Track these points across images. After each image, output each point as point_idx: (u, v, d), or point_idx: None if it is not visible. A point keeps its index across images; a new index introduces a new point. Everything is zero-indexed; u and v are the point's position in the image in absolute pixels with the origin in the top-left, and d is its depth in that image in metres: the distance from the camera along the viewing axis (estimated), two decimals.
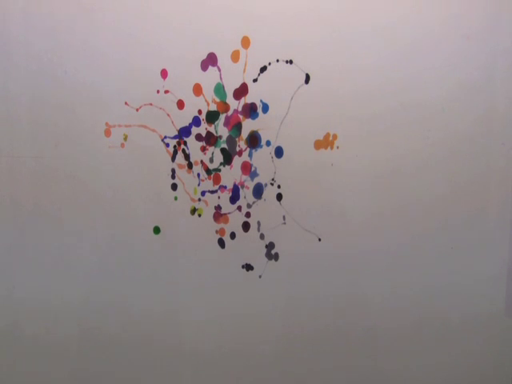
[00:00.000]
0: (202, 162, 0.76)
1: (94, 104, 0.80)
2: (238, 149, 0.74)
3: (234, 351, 0.78)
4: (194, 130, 0.76)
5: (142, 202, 0.80)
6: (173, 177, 0.78)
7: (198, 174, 0.76)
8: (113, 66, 0.79)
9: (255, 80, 0.71)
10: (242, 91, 0.72)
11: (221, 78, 0.73)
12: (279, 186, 0.72)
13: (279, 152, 0.71)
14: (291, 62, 0.69)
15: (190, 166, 0.77)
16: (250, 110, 0.72)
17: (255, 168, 0.73)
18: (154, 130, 0.78)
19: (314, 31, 0.67)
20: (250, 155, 0.73)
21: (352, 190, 0.69)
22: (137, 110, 0.78)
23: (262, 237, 0.73)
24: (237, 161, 0.74)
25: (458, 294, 0.66)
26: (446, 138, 0.64)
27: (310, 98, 0.68)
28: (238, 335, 0.77)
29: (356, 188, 0.69)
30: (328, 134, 0.68)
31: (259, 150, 0.72)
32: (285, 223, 0.72)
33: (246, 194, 0.74)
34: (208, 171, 0.76)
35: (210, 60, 0.73)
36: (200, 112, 0.75)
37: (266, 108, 0.71)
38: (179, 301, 0.80)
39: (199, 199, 0.77)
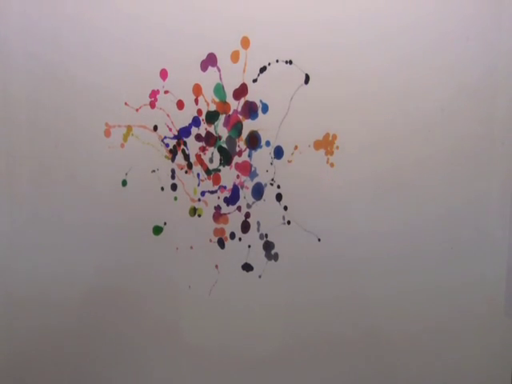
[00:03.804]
0: (201, 162, 0.76)
1: (93, 104, 0.80)
2: (237, 149, 0.74)
3: (233, 351, 0.78)
4: (194, 131, 0.76)
5: (142, 202, 0.80)
6: (172, 177, 0.78)
7: (198, 175, 0.77)
8: (113, 67, 0.79)
9: (255, 80, 0.71)
10: (241, 91, 0.72)
11: (220, 79, 0.73)
12: (279, 186, 0.72)
13: (279, 152, 0.71)
14: (291, 62, 0.69)
15: (189, 166, 0.77)
16: (250, 111, 0.72)
17: (255, 168, 0.73)
18: (153, 131, 0.78)
19: (313, 32, 0.67)
20: (250, 155, 0.73)
21: (352, 190, 0.69)
22: (136, 110, 0.78)
23: (261, 237, 0.73)
24: (236, 161, 0.74)
25: (458, 294, 0.66)
26: (446, 138, 0.64)
27: (309, 98, 0.68)
28: (238, 336, 0.77)
29: (356, 188, 0.69)
30: (328, 135, 0.68)
31: (259, 150, 0.72)
32: (284, 223, 0.72)
33: (246, 195, 0.74)
34: (208, 171, 0.76)
35: (210, 60, 0.73)
36: (200, 112, 0.75)
37: (265, 108, 0.71)
38: (179, 301, 0.80)
39: (199, 199, 0.77)
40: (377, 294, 0.69)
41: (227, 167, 0.75)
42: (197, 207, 0.77)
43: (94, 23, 0.79)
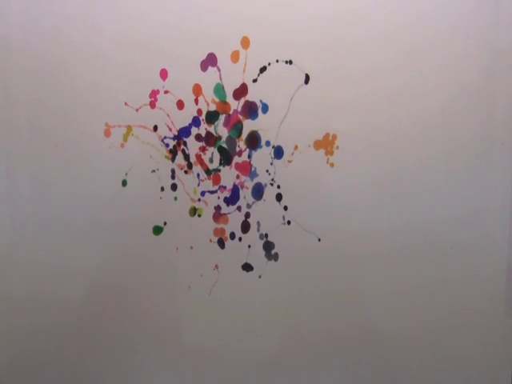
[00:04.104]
0: (201, 162, 0.76)
1: (93, 104, 0.80)
2: (237, 149, 0.74)
3: (233, 351, 0.78)
4: (194, 131, 0.76)
5: (142, 202, 0.80)
6: (172, 177, 0.78)
7: (198, 175, 0.77)
8: (112, 66, 0.79)
9: (255, 80, 0.71)
10: (241, 91, 0.72)
11: (220, 79, 0.73)
12: (279, 187, 0.72)
13: (279, 152, 0.71)
14: (291, 62, 0.69)
15: (189, 166, 0.77)
16: (250, 111, 0.72)
17: (255, 168, 0.73)
18: (153, 131, 0.78)
19: (313, 31, 0.67)
20: (250, 155, 0.73)
21: (352, 190, 0.69)
22: (136, 110, 0.78)
23: (261, 237, 0.74)
24: (236, 161, 0.74)
25: (458, 293, 0.66)
26: (446, 138, 0.64)
27: (309, 98, 0.68)
28: (238, 335, 0.77)
29: (356, 188, 0.69)
30: (328, 135, 0.68)
31: (259, 150, 0.72)
32: (284, 223, 0.72)
33: (246, 195, 0.74)
34: (208, 171, 0.76)
35: (210, 60, 0.73)
36: (200, 112, 0.75)
37: (265, 108, 0.71)
38: (178, 301, 0.80)
39: (199, 199, 0.77)
40: (377, 294, 0.69)
41: (227, 167, 0.75)
42: (197, 207, 0.77)
43: (94, 23, 0.78)
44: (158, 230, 0.80)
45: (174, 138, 0.77)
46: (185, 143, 0.77)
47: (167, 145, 0.78)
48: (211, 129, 0.75)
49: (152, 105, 0.77)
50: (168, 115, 0.77)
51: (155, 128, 0.78)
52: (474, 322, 0.66)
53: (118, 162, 0.80)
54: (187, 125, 0.76)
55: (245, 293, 0.76)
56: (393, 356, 0.70)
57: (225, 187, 0.75)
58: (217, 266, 0.77)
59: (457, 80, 0.63)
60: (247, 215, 0.74)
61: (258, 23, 0.70)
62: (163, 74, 0.76)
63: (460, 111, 0.63)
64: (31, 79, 0.82)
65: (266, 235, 0.73)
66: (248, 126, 0.73)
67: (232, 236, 0.75)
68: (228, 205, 0.75)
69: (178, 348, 0.81)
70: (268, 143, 0.72)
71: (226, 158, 0.74)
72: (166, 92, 0.76)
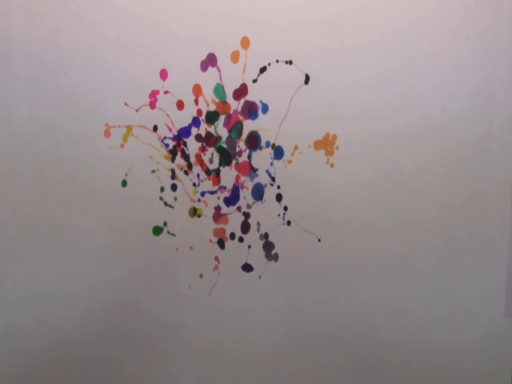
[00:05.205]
0: (201, 162, 0.76)
1: (93, 105, 0.80)
2: (237, 149, 0.74)
3: (233, 352, 0.78)
4: (194, 131, 0.76)
5: (142, 202, 0.80)
6: (172, 177, 0.78)
7: (198, 175, 0.77)
8: (113, 67, 0.79)
9: (255, 80, 0.71)
10: (241, 92, 0.72)
11: (220, 79, 0.73)
12: (279, 187, 0.72)
13: (279, 152, 0.71)
14: (291, 62, 0.69)
15: (189, 166, 0.77)
16: (250, 111, 0.72)
17: (255, 168, 0.73)
18: (153, 131, 0.78)
19: (313, 32, 0.67)
20: (250, 156, 0.73)
21: (352, 190, 0.69)
22: (136, 110, 0.78)
23: (261, 237, 0.74)
24: (236, 161, 0.74)
25: (458, 294, 0.66)
26: (446, 138, 0.64)
27: (309, 98, 0.68)
28: (238, 336, 0.77)
29: (356, 188, 0.69)
30: (328, 135, 0.68)
31: (259, 150, 0.72)
32: (284, 223, 0.72)
33: (246, 195, 0.74)
34: (208, 172, 0.76)
35: (210, 60, 0.73)
36: (200, 112, 0.75)
37: (265, 108, 0.71)
38: (178, 301, 0.80)
39: (199, 200, 0.77)
40: (376, 294, 0.69)
41: (227, 167, 0.75)
42: (197, 207, 0.77)
43: (95, 23, 0.78)
44: (158, 230, 0.80)
45: (174, 138, 0.77)
46: (185, 143, 0.77)
47: (167, 145, 0.78)
48: (211, 129, 0.75)
49: (152, 105, 0.77)
50: (168, 115, 0.77)
51: (155, 128, 0.78)
52: (474, 323, 0.66)
53: (118, 162, 0.80)
54: (187, 125, 0.76)
55: (245, 293, 0.76)
56: (393, 356, 0.70)
57: (225, 187, 0.75)
58: (217, 267, 0.77)
59: (457, 80, 0.63)
60: (247, 215, 0.74)
61: (257, 24, 0.70)
62: (163, 74, 0.76)
63: (460, 111, 0.63)
64: (32, 80, 0.82)
65: (266, 235, 0.73)
66: (248, 126, 0.73)
67: (232, 236, 0.75)
68: (228, 205, 0.75)
69: (178, 348, 0.81)
70: (268, 143, 0.72)
71: (226, 158, 0.74)
72: (165, 92, 0.76)
